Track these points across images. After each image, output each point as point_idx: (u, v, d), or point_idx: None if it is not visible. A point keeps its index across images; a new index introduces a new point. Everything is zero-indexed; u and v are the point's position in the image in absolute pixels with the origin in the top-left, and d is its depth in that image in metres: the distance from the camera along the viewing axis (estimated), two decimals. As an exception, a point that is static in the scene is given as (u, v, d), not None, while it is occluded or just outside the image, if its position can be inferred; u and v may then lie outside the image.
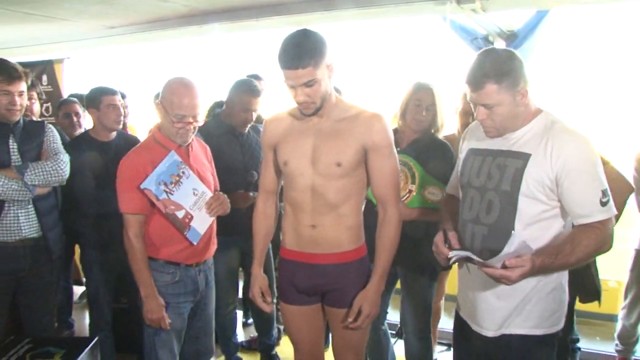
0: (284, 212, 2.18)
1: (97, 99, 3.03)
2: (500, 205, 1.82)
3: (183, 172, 2.33)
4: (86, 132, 3.25)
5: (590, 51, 4.41)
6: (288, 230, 2.15)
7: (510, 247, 1.62)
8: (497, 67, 1.75)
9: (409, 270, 2.70)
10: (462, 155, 2.05)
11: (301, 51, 1.85)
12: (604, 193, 1.74)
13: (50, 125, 2.81)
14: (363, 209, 2.17)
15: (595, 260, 2.54)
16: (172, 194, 2.30)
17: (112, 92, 3.07)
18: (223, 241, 2.64)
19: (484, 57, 1.80)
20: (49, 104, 5.01)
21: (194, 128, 2.33)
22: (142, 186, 2.25)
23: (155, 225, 2.36)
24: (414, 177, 2.56)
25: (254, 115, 3.17)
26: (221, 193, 2.48)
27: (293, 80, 1.90)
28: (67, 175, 2.74)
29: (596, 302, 2.75)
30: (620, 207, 2.27)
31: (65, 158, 2.75)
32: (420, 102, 2.62)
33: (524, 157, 1.79)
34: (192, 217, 2.36)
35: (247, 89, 3.10)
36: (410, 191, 2.56)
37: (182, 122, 2.27)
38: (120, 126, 3.83)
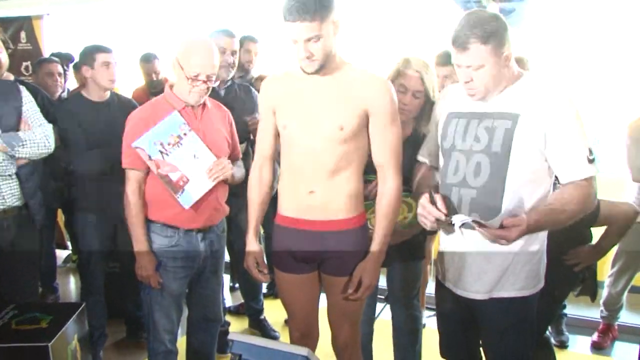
0: (281, 178, 2.11)
1: (91, 57, 2.95)
2: (491, 167, 1.83)
3: (185, 134, 2.28)
4: (78, 91, 3.17)
5: (585, 15, 4.35)
6: (285, 196, 2.09)
7: (509, 205, 1.66)
8: (482, 28, 1.75)
9: (400, 257, 2.56)
10: (441, 119, 2.03)
11: (307, 4, 1.76)
12: (590, 151, 1.78)
13: (24, 88, 2.70)
14: None
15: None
16: (167, 155, 2.26)
17: (107, 50, 2.99)
18: None
19: (469, 18, 1.79)
20: (29, 62, 4.83)
21: (208, 88, 2.30)
22: (133, 144, 2.22)
23: (150, 186, 2.34)
24: (411, 209, 2.34)
25: (235, 59, 3.08)
26: (225, 159, 2.41)
27: (297, 34, 1.82)
28: (54, 147, 2.67)
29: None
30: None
31: (50, 127, 2.67)
32: (405, 87, 2.28)
33: (513, 118, 1.81)
34: (187, 180, 2.29)
35: (218, 31, 3.00)
36: (405, 218, 2.36)
37: (198, 81, 2.24)
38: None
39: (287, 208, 2.09)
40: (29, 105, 2.64)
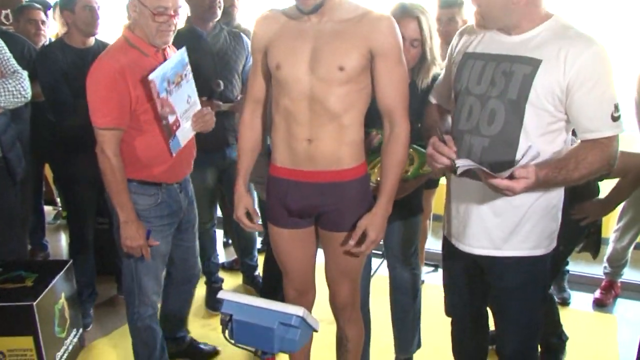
0: (274, 126, 1.95)
1: (72, 0, 2.79)
2: (505, 114, 1.68)
3: (186, 75, 2.14)
4: (60, 38, 3.00)
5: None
6: (279, 145, 1.94)
7: (524, 160, 1.52)
8: None
9: (399, 213, 2.38)
10: (456, 60, 1.87)
11: None
12: (616, 107, 1.61)
13: None
14: None
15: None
16: (170, 95, 2.09)
17: None
18: (198, 158, 2.45)
19: None
20: (8, 10, 4.58)
21: (175, 26, 2.12)
22: (150, 77, 1.99)
23: (142, 144, 2.16)
24: (412, 161, 2.19)
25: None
26: (208, 109, 2.30)
27: None
28: (30, 95, 2.52)
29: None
30: None
31: (25, 74, 2.51)
32: (402, 36, 1.95)
33: (534, 63, 1.63)
34: (179, 125, 2.16)
35: None
36: (407, 171, 2.17)
37: (165, 15, 2.04)
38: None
39: (281, 158, 1.94)
40: (1, 51, 2.48)
